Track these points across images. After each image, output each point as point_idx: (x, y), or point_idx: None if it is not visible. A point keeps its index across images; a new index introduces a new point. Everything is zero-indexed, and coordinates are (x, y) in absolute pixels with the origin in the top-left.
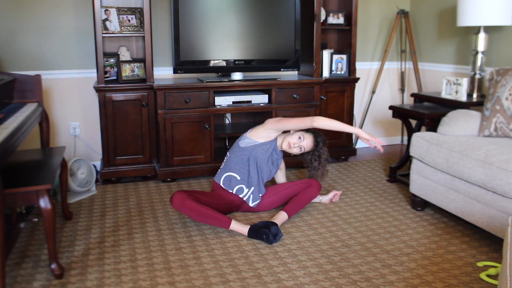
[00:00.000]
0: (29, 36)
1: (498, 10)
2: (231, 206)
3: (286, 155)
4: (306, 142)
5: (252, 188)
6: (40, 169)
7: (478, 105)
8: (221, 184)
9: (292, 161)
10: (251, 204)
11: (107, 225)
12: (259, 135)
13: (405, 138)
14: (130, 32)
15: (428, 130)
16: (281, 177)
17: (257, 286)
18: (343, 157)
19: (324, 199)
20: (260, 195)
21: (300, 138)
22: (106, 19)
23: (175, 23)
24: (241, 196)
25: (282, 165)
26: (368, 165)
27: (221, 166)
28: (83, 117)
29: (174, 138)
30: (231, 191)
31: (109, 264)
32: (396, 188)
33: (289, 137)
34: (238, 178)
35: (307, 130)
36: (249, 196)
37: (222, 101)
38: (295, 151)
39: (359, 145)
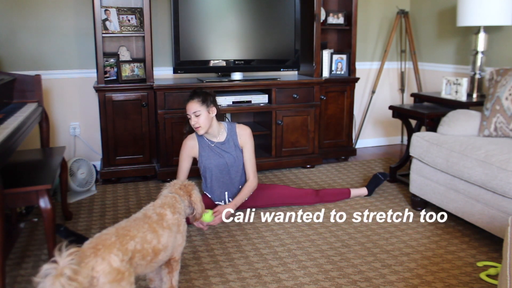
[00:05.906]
0: (29, 36)
1: (498, 10)
2: None
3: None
4: (196, 118)
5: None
6: (40, 169)
7: (478, 105)
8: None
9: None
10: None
11: (107, 225)
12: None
13: (405, 138)
14: (130, 32)
15: (428, 130)
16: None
17: (257, 286)
18: (343, 157)
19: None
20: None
21: (191, 118)
22: (106, 19)
23: (175, 23)
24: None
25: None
26: (368, 165)
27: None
28: (83, 117)
29: (174, 138)
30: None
31: None
32: (396, 188)
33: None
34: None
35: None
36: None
37: (222, 101)
38: (196, 126)
39: (359, 145)
